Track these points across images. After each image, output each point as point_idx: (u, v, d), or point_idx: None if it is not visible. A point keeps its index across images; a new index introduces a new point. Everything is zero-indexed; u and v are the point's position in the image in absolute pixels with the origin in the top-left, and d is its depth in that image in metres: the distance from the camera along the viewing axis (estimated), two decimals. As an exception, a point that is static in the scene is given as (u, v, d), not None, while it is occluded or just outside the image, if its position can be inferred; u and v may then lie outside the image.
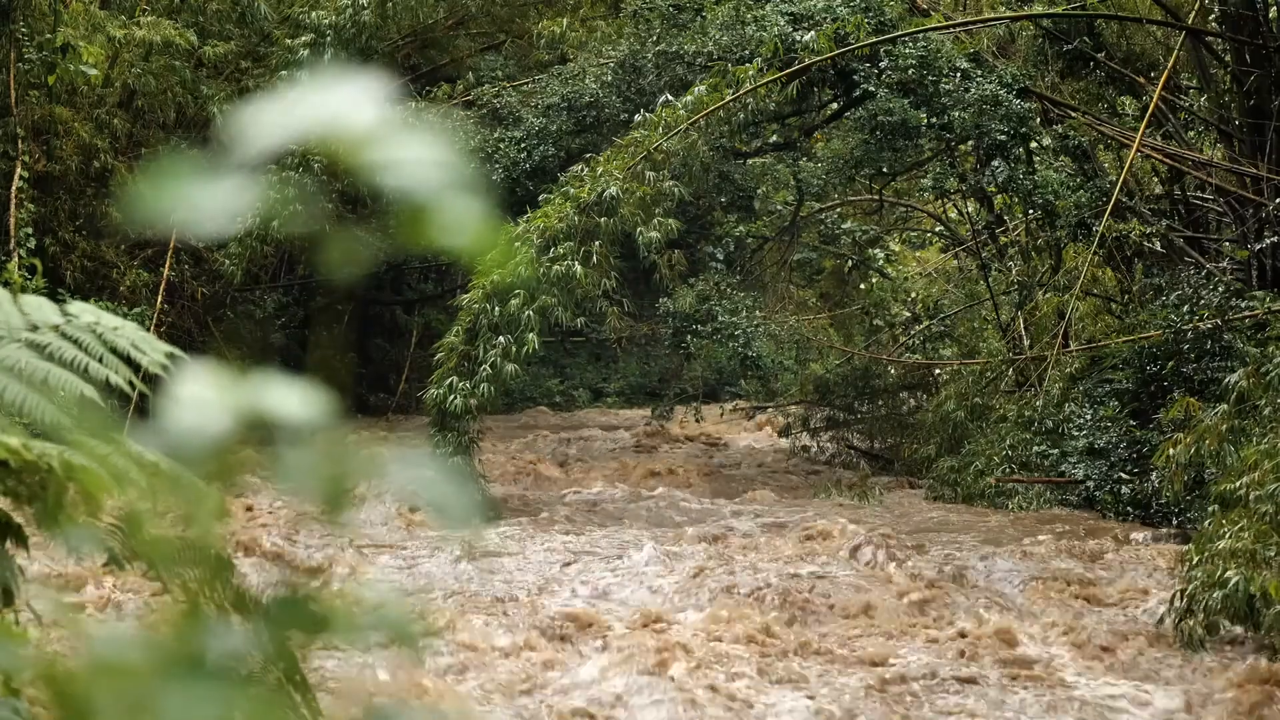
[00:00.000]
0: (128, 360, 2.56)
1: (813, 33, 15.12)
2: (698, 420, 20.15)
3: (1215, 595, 7.41)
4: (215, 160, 1.02)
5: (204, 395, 1.15)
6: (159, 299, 17.04)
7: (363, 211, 18.69)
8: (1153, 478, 12.62)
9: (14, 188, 16.16)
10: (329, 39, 17.25)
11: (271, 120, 0.91)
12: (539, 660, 7.73)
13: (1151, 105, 15.39)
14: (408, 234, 0.94)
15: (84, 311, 2.70)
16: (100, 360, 2.56)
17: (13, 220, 15.96)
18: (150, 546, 2.42)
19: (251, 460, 1.22)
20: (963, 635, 8.50)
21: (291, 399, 1.15)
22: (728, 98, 14.44)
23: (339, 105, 0.89)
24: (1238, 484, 7.94)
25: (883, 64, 15.23)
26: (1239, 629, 7.66)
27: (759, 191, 19.54)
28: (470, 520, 1.05)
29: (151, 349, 2.57)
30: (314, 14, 17.59)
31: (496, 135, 17.15)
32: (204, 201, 0.93)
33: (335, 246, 1.03)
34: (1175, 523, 12.36)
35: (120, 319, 2.67)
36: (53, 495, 2.45)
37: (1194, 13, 16.37)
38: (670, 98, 14.94)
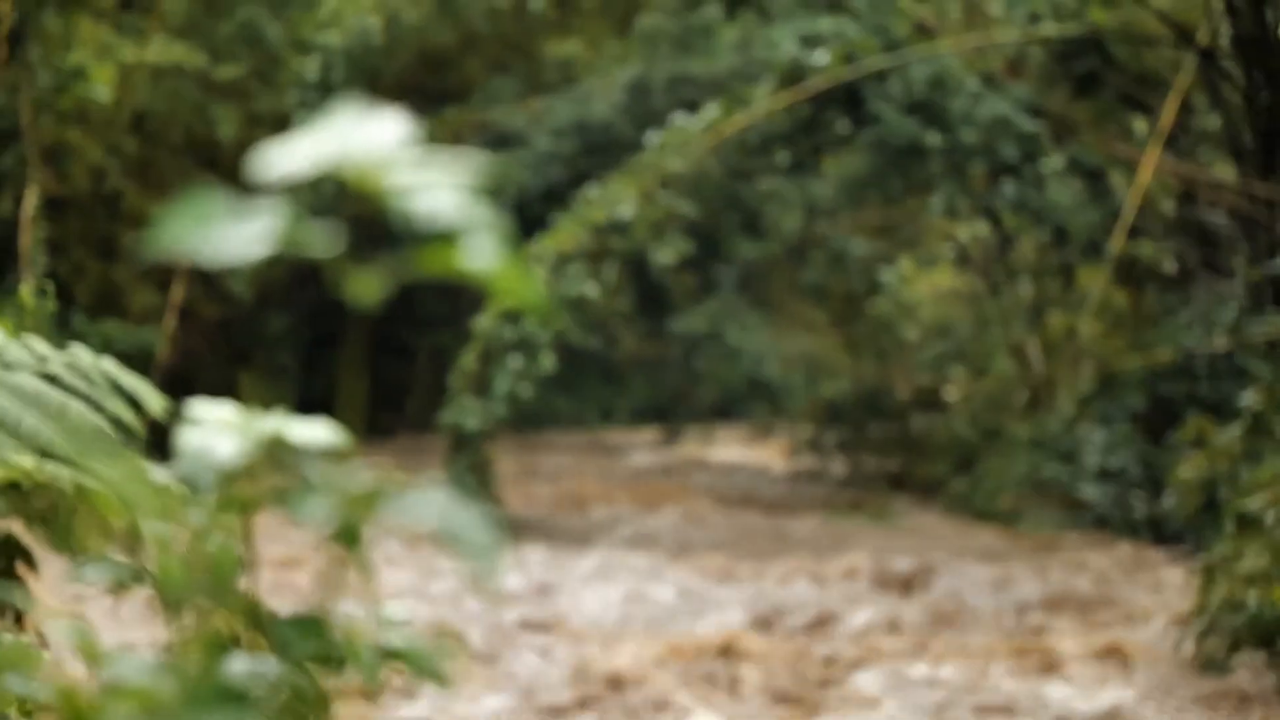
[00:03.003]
0: (132, 402, 2.59)
1: (822, 53, 15.15)
2: (707, 441, 20.14)
3: (1235, 618, 7.36)
4: (231, 191, 1.02)
5: (218, 424, 1.14)
6: (171, 320, 17.08)
7: (376, 230, 18.71)
8: (1166, 498, 12.58)
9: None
10: (338, 61, 17.32)
11: (289, 157, 0.90)
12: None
13: (1163, 125, 15.38)
14: (428, 264, 0.93)
15: (83, 354, 2.72)
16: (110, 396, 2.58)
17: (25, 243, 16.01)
18: (160, 565, 2.41)
19: (267, 490, 1.21)
20: (974, 654, 8.46)
21: (306, 428, 1.14)
22: (738, 119, 14.47)
23: (358, 140, 0.88)
24: (1254, 503, 7.89)
25: (891, 84, 15.25)
26: (1260, 652, 7.61)
27: (768, 212, 19.55)
28: (491, 552, 1.03)
29: (152, 398, 2.61)
30: (323, 36, 17.67)
31: (506, 157, 17.20)
32: (222, 236, 0.92)
33: (353, 275, 1.03)
34: (1189, 543, 12.31)
35: (118, 368, 2.70)
36: (64, 517, 2.44)
37: (1205, 33, 16.36)
38: (681, 119, 14.96)
